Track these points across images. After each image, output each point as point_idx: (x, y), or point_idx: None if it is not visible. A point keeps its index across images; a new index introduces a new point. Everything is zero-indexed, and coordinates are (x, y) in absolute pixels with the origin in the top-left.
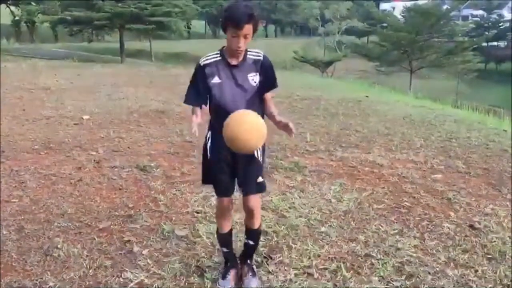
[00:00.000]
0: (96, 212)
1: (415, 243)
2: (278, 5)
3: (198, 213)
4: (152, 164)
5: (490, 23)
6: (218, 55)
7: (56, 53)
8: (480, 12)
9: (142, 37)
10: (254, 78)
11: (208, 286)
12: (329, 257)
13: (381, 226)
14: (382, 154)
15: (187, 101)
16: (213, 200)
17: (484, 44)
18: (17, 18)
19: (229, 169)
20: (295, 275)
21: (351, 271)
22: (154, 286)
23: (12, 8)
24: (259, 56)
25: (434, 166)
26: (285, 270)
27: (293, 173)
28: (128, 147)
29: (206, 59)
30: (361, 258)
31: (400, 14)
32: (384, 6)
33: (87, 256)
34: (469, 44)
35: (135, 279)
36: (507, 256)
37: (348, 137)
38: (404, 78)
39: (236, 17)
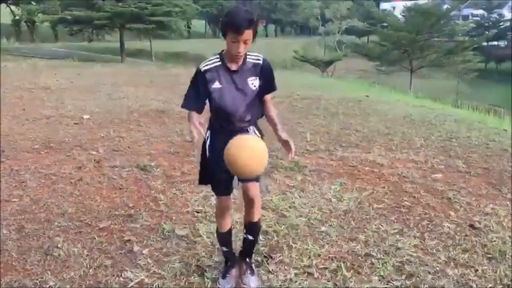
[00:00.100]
0: (96, 211)
1: (415, 243)
2: (278, 4)
3: (198, 212)
4: (152, 164)
5: (490, 23)
6: (218, 60)
7: (56, 53)
8: (481, 11)
9: (143, 37)
10: (253, 82)
11: (208, 286)
12: (329, 257)
13: (381, 225)
14: (382, 153)
15: (186, 106)
16: (213, 199)
17: (484, 43)
18: (17, 17)
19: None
20: (295, 274)
21: (351, 271)
22: (154, 285)
23: (12, 7)
24: (259, 60)
25: (434, 166)
26: (285, 269)
27: (293, 172)
28: (128, 147)
29: (207, 65)
30: (361, 258)
31: (400, 14)
32: (384, 5)
33: (87, 255)
34: (469, 44)
35: (135, 279)
36: (507, 256)
37: (348, 136)
38: (404, 78)
39: (236, 22)
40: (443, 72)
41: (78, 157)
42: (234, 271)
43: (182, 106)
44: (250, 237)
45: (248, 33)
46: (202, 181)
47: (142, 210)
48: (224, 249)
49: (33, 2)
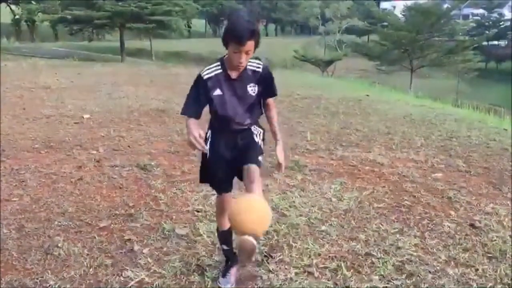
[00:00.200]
0: (96, 211)
1: (415, 242)
2: (279, 4)
3: (198, 212)
4: (153, 163)
5: (490, 22)
6: (219, 67)
7: (56, 52)
8: (481, 11)
9: (143, 36)
10: (253, 89)
11: (209, 285)
12: (329, 256)
13: (382, 225)
14: (382, 153)
15: (186, 113)
16: (213, 199)
17: (485, 43)
18: (17, 17)
19: (228, 166)
20: (296, 274)
21: (352, 270)
22: (155, 284)
23: (13, 7)
24: (259, 68)
25: (434, 165)
26: (286, 269)
27: (294, 172)
28: (129, 146)
29: (208, 72)
30: (362, 257)
31: (400, 13)
32: (384, 5)
33: (87, 255)
34: (470, 43)
35: (136, 278)
36: (507, 255)
37: (349, 136)
38: (405, 77)
39: (238, 33)
40: (443, 71)
41: (78, 157)
42: (234, 270)
43: (182, 113)
44: None
45: (250, 44)
46: (203, 179)
47: (142, 210)
48: (225, 247)
49: (33, 2)
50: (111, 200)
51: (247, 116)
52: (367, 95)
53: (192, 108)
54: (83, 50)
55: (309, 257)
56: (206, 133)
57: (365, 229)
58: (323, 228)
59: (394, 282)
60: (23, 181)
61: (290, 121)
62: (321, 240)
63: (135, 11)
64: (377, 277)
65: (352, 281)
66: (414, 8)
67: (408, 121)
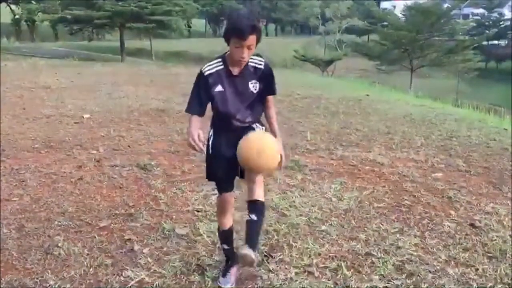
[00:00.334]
0: (96, 210)
1: (415, 242)
2: (279, 4)
3: (198, 211)
4: (153, 163)
5: (490, 22)
6: (221, 63)
7: (56, 52)
8: (481, 10)
9: (143, 36)
10: (254, 86)
11: (209, 285)
12: (329, 256)
13: (382, 224)
14: (382, 152)
15: (190, 110)
16: (214, 198)
17: (485, 43)
18: (17, 16)
19: (229, 165)
20: (296, 273)
21: (352, 270)
22: (155, 284)
23: (13, 6)
24: (261, 64)
25: (434, 165)
26: (286, 268)
27: (294, 171)
28: (129, 146)
29: (210, 69)
30: (362, 257)
31: (400, 13)
32: (384, 4)
33: (87, 254)
34: (470, 43)
35: (136, 278)
36: (507, 255)
37: (349, 135)
38: (405, 77)
39: (240, 28)
40: (444, 71)
41: (78, 156)
42: (234, 270)
43: (186, 111)
44: (253, 217)
45: (252, 39)
46: (209, 176)
47: (142, 209)
48: (225, 247)
49: (33, 1)
50: (111, 200)
51: (248, 114)
52: (367, 95)
53: (194, 105)
54: (83, 50)
55: (309, 256)
56: (209, 132)
57: (365, 228)
58: (323, 228)
59: (394, 281)
60: (23, 181)
61: (290, 121)
62: (321, 240)
63: (135, 11)
64: (377, 276)
65: (352, 280)
66: (414, 7)
67: (408, 121)
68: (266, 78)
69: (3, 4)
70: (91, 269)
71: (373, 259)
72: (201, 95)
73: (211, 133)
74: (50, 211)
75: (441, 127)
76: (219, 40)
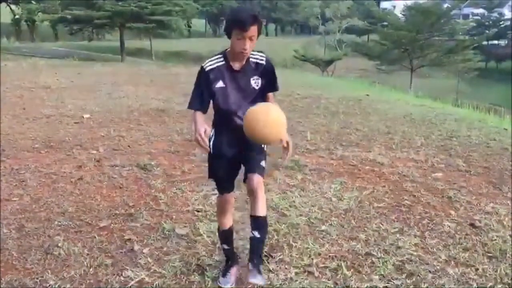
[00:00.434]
0: (96, 210)
1: (415, 242)
2: (279, 4)
3: (198, 211)
4: (153, 163)
5: (490, 22)
6: (222, 59)
7: (56, 52)
8: (481, 10)
9: (143, 36)
10: (256, 82)
11: (209, 285)
12: (329, 256)
13: (382, 224)
14: (382, 152)
15: (192, 106)
16: (214, 198)
17: (485, 42)
18: (17, 16)
19: (230, 165)
20: (296, 273)
21: (352, 270)
22: (155, 284)
23: (13, 6)
24: (262, 60)
25: (434, 165)
26: (286, 268)
27: (294, 171)
28: (129, 146)
29: (210, 64)
30: (362, 257)
31: (400, 13)
32: (384, 4)
33: (87, 254)
34: (470, 43)
35: (136, 278)
36: (507, 255)
37: (349, 135)
38: (405, 77)
39: (241, 19)
40: (444, 71)
41: (79, 156)
42: (234, 270)
43: (189, 107)
44: (257, 234)
45: (253, 29)
46: (211, 176)
47: (142, 209)
48: (225, 247)
49: (33, 1)
50: (111, 200)
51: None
52: (367, 95)
53: (197, 101)
54: (83, 50)
55: (309, 256)
56: (211, 132)
57: (365, 228)
58: (323, 227)
59: (394, 281)
60: (23, 181)
61: (290, 120)
62: (321, 240)
63: (135, 11)
64: (377, 276)
65: (352, 280)
66: (414, 7)
67: (408, 121)
68: (268, 74)
69: (3, 4)
70: (91, 269)
71: (373, 259)
72: (203, 91)
73: (212, 133)
74: (50, 211)
75: (441, 127)
76: (219, 40)
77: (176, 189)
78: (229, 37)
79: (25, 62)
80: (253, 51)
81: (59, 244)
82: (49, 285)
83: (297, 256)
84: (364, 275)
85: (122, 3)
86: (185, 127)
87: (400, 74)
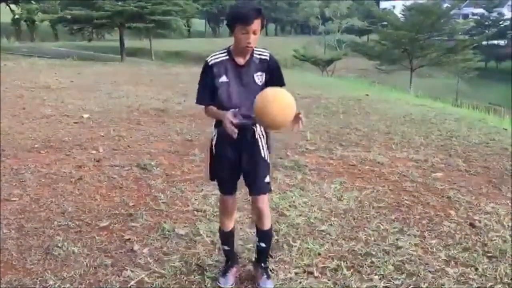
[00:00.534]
0: (96, 210)
1: (415, 242)
2: (279, 3)
3: (198, 211)
4: (152, 163)
5: (490, 22)
6: (226, 54)
7: (56, 52)
8: (481, 10)
9: (142, 36)
10: (260, 78)
11: (208, 285)
12: (329, 256)
13: (382, 224)
14: (382, 152)
15: (199, 101)
16: (214, 198)
17: (485, 42)
18: (17, 16)
19: (232, 167)
20: (296, 273)
21: (352, 270)
22: (155, 284)
23: (12, 6)
24: (266, 56)
25: (434, 165)
26: (286, 268)
27: (293, 171)
28: (128, 146)
29: (215, 58)
30: (362, 257)
31: (400, 13)
32: (384, 4)
33: (87, 254)
34: (470, 43)
35: (136, 278)
36: (507, 255)
37: (348, 135)
38: (405, 77)
39: (245, 13)
40: (443, 71)
41: (78, 156)
42: (234, 270)
43: (197, 102)
44: (263, 245)
45: (257, 23)
46: (212, 177)
47: (142, 209)
48: (226, 248)
49: (32, 1)
50: (111, 200)
51: (251, 108)
52: (367, 95)
53: (205, 95)
54: (83, 49)
55: (309, 256)
56: (213, 132)
57: (365, 228)
58: (323, 227)
59: (394, 281)
60: (23, 181)
61: None
62: (321, 240)
63: (134, 10)
64: (377, 276)
65: (352, 280)
66: (414, 7)
67: (408, 121)
68: (273, 70)
69: (3, 4)
70: (90, 269)
71: (373, 259)
72: (208, 84)
73: (214, 133)
74: (49, 211)
75: (441, 127)
76: (219, 39)
77: (176, 189)
78: (232, 31)
79: (25, 62)
80: (256, 47)
81: (59, 244)
82: (49, 285)
83: (297, 256)
84: (364, 275)
85: (122, 3)
86: (185, 127)
87: (400, 74)
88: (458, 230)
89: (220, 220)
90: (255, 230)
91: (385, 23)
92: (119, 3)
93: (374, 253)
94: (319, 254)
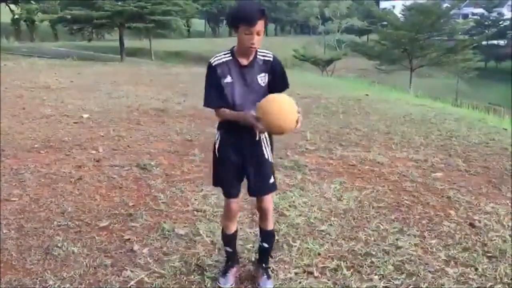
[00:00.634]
0: (96, 210)
1: (415, 242)
2: (278, 3)
3: (198, 211)
4: (152, 163)
5: (490, 22)
6: (229, 55)
7: (56, 52)
8: (480, 10)
9: (142, 36)
10: (263, 79)
11: (208, 285)
12: (329, 256)
13: (381, 224)
14: (382, 152)
15: (208, 104)
16: (213, 198)
17: (484, 42)
18: (16, 16)
19: (237, 170)
20: (296, 273)
21: (352, 270)
22: (154, 284)
23: (12, 6)
24: (270, 57)
25: (434, 165)
26: (286, 268)
27: (293, 171)
28: (128, 146)
29: (218, 59)
30: (361, 257)
31: (400, 13)
32: (384, 4)
33: (87, 254)
34: (469, 43)
35: (135, 278)
36: (507, 255)
37: (348, 135)
38: (404, 77)
39: (249, 14)
40: (443, 71)
41: (78, 156)
42: (234, 270)
43: (204, 105)
44: (266, 245)
45: (260, 24)
46: (216, 183)
47: (142, 209)
48: (228, 249)
49: (32, 1)
50: (111, 200)
51: (255, 109)
52: (367, 95)
53: (214, 96)
54: (83, 49)
55: (309, 256)
56: (216, 135)
57: (365, 228)
58: (323, 227)
59: (394, 281)
60: (22, 181)
61: None
62: (321, 240)
63: (134, 10)
64: (377, 276)
65: (352, 280)
66: (414, 7)
67: (407, 121)
68: (276, 71)
69: (3, 4)
70: (90, 269)
71: (373, 259)
72: (215, 85)
73: (217, 135)
74: (49, 211)
75: (441, 126)
76: (219, 39)
77: (176, 189)
78: (235, 32)
79: (24, 62)
80: (260, 49)
81: (59, 244)
82: (49, 285)
83: (296, 256)
84: (364, 275)
85: (122, 3)
86: (185, 127)
87: (400, 74)
88: (458, 230)
89: (224, 224)
90: (255, 230)
91: (385, 23)
92: (119, 3)
93: (374, 253)
94: (319, 254)
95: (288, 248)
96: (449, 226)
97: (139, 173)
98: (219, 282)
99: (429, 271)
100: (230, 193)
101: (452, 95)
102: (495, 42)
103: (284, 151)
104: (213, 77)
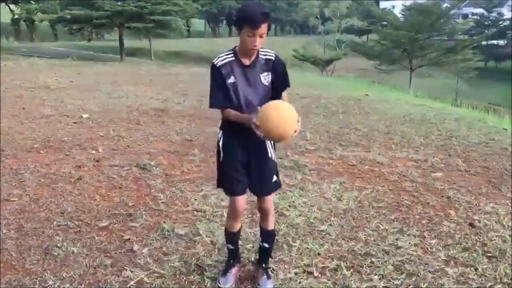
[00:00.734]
0: (95, 210)
1: (415, 242)
2: (278, 3)
3: (198, 211)
4: (152, 163)
5: (490, 22)
6: (232, 55)
7: (55, 52)
8: (480, 10)
9: (142, 36)
10: (266, 78)
11: (208, 285)
12: (329, 256)
13: (381, 224)
14: (382, 152)
15: (214, 104)
16: (213, 198)
17: (484, 42)
18: (16, 16)
19: (242, 166)
20: (295, 273)
21: (351, 270)
22: (154, 284)
23: (12, 6)
24: (271, 56)
25: (434, 165)
26: (285, 268)
27: (293, 171)
28: (128, 146)
29: (221, 60)
30: (361, 257)
31: (400, 13)
32: (384, 4)
33: (86, 254)
34: (469, 43)
35: (135, 278)
36: (507, 255)
37: (348, 135)
38: (404, 77)
39: (253, 17)
40: (443, 71)
41: (78, 156)
42: (234, 270)
43: (210, 106)
44: (266, 245)
45: (264, 27)
46: (220, 184)
47: (141, 209)
48: (230, 246)
49: (32, 1)
50: (111, 200)
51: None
52: (367, 95)
53: (219, 97)
54: (83, 49)
55: (309, 256)
56: (218, 134)
57: (365, 228)
58: (323, 227)
59: (393, 281)
60: (22, 181)
61: None
62: (320, 240)
63: (134, 10)
64: (376, 276)
65: (352, 280)
66: (414, 7)
67: (407, 121)
68: (278, 70)
69: (2, 4)
70: (90, 269)
71: (373, 259)
72: (221, 85)
73: (220, 135)
74: (49, 211)
75: (441, 126)
76: (219, 39)
77: (176, 189)
78: (238, 32)
79: (24, 62)
80: (262, 48)
81: (58, 244)
82: (48, 285)
83: (296, 256)
84: (363, 275)
85: (122, 3)
86: (185, 127)
87: (400, 74)
88: (457, 230)
89: (228, 223)
90: (254, 230)
91: (384, 23)
92: (119, 3)
93: (373, 253)
94: (319, 254)
95: (288, 248)
96: (449, 226)
97: (139, 173)
98: (219, 282)
99: (429, 271)
100: (236, 190)
101: (452, 95)
102: (495, 42)
103: (284, 151)
104: (218, 77)
